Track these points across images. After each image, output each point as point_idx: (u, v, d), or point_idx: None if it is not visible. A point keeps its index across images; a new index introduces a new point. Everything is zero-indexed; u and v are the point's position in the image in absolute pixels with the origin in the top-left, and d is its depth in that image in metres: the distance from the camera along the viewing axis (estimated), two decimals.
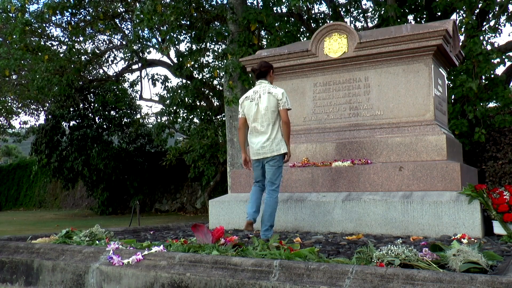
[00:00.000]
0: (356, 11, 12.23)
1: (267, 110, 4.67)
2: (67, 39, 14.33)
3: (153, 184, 17.66)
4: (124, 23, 15.26)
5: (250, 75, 9.06)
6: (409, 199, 4.74)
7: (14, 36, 11.91)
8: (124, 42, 14.92)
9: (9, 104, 19.42)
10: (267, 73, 4.84)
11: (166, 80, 14.12)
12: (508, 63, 9.10)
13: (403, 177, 5.02)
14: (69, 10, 12.48)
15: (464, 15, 9.26)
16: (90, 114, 17.45)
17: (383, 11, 9.13)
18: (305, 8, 10.94)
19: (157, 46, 13.03)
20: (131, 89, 18.01)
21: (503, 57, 8.32)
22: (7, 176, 26.44)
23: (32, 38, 13.30)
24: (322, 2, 11.13)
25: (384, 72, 5.52)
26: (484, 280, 2.33)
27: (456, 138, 7.03)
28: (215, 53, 13.48)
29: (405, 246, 2.99)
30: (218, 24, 11.29)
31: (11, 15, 12.64)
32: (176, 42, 10.54)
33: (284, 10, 11.38)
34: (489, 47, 8.85)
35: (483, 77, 8.58)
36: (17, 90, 16.19)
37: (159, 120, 15.13)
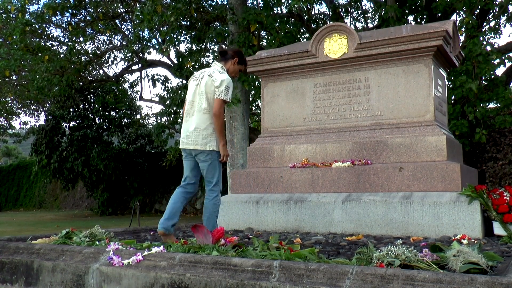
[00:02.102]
0: (356, 12, 12.25)
1: (201, 95, 4.10)
2: (67, 40, 14.34)
3: (153, 184, 17.66)
4: (124, 23, 15.28)
5: (250, 75, 9.06)
6: (409, 199, 4.74)
7: (14, 37, 11.92)
8: (124, 43, 14.93)
9: (9, 104, 19.42)
10: (228, 58, 4.30)
11: (166, 81, 14.13)
12: (508, 64, 9.11)
13: (403, 177, 5.02)
14: (69, 10, 12.49)
15: (464, 15, 9.26)
16: (90, 115, 17.46)
17: (383, 12, 9.14)
18: (305, 8, 10.95)
19: (157, 46, 13.04)
20: (131, 89, 18.03)
21: (503, 57, 8.32)
22: (7, 176, 26.44)
23: (32, 39, 13.31)
24: (322, 2, 11.14)
25: (384, 72, 5.52)
26: (484, 281, 2.33)
27: (456, 138, 7.03)
28: (215, 54, 13.49)
29: (405, 246, 2.99)
30: (218, 24, 11.30)
31: (11, 15, 12.65)
32: (176, 43, 10.55)
33: (284, 10, 11.39)
34: (489, 48, 8.86)
35: (483, 77, 8.59)
36: (17, 91, 16.20)
37: (159, 121, 15.13)
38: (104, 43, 16.46)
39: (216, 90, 4.03)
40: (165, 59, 14.98)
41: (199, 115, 4.11)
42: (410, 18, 10.43)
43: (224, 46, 4.46)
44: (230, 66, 4.28)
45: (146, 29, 10.73)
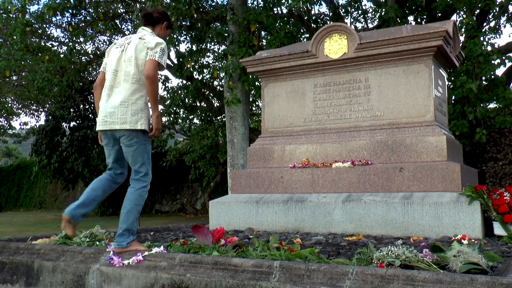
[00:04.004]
0: (356, 12, 12.24)
1: (129, 61, 3.45)
2: (67, 40, 14.35)
3: (153, 185, 17.56)
4: (124, 24, 15.27)
5: (250, 76, 9.06)
6: (409, 200, 4.74)
7: (15, 37, 11.92)
8: None
9: (10, 105, 19.42)
10: (156, 22, 3.70)
11: (167, 81, 14.13)
12: (508, 64, 9.10)
13: (403, 178, 5.02)
14: (70, 10, 12.48)
15: (464, 15, 9.26)
16: (90, 115, 17.46)
17: (383, 12, 9.14)
18: (305, 9, 10.95)
19: None
20: None
21: (503, 58, 8.32)
22: (7, 177, 26.44)
23: (32, 39, 13.31)
24: (322, 3, 11.14)
25: (384, 73, 5.52)
26: (484, 281, 2.33)
27: (457, 139, 7.03)
28: (215, 54, 13.50)
29: (406, 247, 2.99)
30: (219, 25, 11.30)
31: (11, 15, 12.66)
32: (176, 43, 10.55)
33: (284, 11, 11.39)
34: (489, 48, 8.85)
35: (484, 78, 8.58)
36: (17, 91, 16.20)
37: None
38: (105, 43, 16.47)
39: (149, 51, 3.40)
40: None
41: (126, 85, 3.42)
42: (410, 18, 10.43)
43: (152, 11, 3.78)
44: (159, 31, 3.70)
45: None
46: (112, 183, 3.65)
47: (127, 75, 3.43)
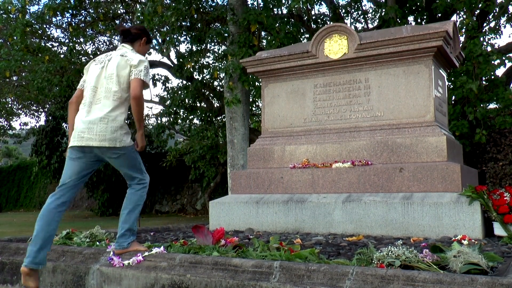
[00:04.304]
0: (356, 12, 12.25)
1: (110, 78, 3.36)
2: (67, 40, 14.35)
3: (153, 185, 17.66)
4: (124, 24, 15.27)
5: (250, 76, 9.06)
6: (410, 200, 4.74)
7: (15, 37, 11.92)
8: None
9: (10, 105, 19.43)
10: (135, 38, 3.60)
11: (167, 81, 14.14)
12: (508, 64, 9.10)
13: (403, 178, 5.02)
14: (70, 11, 12.48)
15: (464, 16, 9.26)
16: None
17: (383, 13, 9.14)
18: (305, 9, 10.95)
19: (157, 47, 13.05)
20: None
21: (504, 58, 8.32)
22: (7, 177, 26.44)
23: (32, 39, 13.31)
24: (322, 3, 11.14)
25: (384, 73, 5.52)
26: (484, 282, 2.33)
27: (457, 139, 7.03)
28: (216, 54, 13.50)
29: (406, 247, 2.99)
30: (219, 25, 11.30)
31: (11, 16, 12.66)
32: (177, 43, 10.55)
33: (284, 11, 11.39)
34: (489, 48, 8.86)
35: (484, 78, 8.58)
36: (17, 92, 16.20)
37: (159, 121, 15.13)
38: (104, 43, 16.47)
39: (133, 70, 3.31)
40: (165, 60, 14.99)
41: (107, 102, 3.31)
42: (411, 18, 10.43)
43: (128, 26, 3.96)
44: (138, 48, 3.61)
45: None
46: (61, 207, 3.38)
47: (108, 92, 3.34)
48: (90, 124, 3.29)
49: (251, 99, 12.74)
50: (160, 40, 12.62)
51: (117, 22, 14.56)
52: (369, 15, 12.72)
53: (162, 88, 14.08)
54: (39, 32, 13.61)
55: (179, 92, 13.19)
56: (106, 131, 3.28)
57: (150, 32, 3.71)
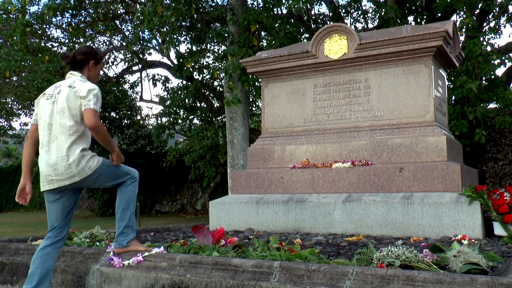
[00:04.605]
0: (356, 12, 12.25)
1: (62, 113, 3.22)
2: (67, 40, 14.34)
3: (153, 185, 17.67)
4: (124, 24, 15.28)
5: (250, 76, 9.06)
6: (410, 200, 4.74)
7: (15, 38, 11.93)
8: (124, 44, 14.93)
9: (10, 105, 19.42)
10: (84, 63, 3.42)
11: (167, 81, 14.13)
12: (508, 64, 9.10)
13: (403, 178, 5.02)
14: (70, 11, 12.49)
15: (464, 16, 9.26)
16: None
17: (383, 12, 9.14)
18: (305, 9, 10.95)
19: (157, 47, 13.05)
20: (131, 90, 18.03)
21: (503, 58, 8.32)
22: (7, 177, 26.43)
23: (32, 39, 13.31)
24: (322, 3, 11.14)
25: (384, 73, 5.52)
26: (484, 281, 2.33)
27: (457, 139, 7.03)
28: (215, 54, 13.50)
29: (406, 247, 2.99)
30: (219, 25, 11.30)
31: (11, 16, 12.66)
32: (176, 43, 10.55)
33: (284, 11, 11.39)
34: (489, 48, 8.85)
35: (483, 78, 8.58)
36: (17, 92, 16.19)
37: (159, 121, 15.13)
38: (104, 44, 16.46)
39: (82, 101, 3.18)
40: (165, 60, 14.99)
41: (63, 138, 3.20)
42: (410, 18, 10.43)
43: (74, 52, 3.49)
44: (88, 73, 3.44)
45: (146, 30, 10.74)
46: (57, 244, 3.29)
47: (63, 127, 3.21)
48: (54, 166, 3.20)
49: (251, 99, 12.76)
50: (160, 40, 12.62)
51: (117, 22, 14.57)
52: (369, 15, 12.72)
53: (162, 88, 14.10)
54: (39, 32, 13.60)
55: (179, 92, 13.20)
56: (71, 167, 3.18)
57: (99, 53, 3.54)
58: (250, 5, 10.86)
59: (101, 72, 16.91)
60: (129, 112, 17.79)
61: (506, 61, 8.47)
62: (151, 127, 17.91)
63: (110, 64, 16.67)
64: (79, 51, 3.44)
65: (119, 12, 14.64)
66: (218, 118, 13.84)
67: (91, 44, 15.40)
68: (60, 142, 3.21)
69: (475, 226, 4.42)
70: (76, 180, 3.20)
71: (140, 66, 15.18)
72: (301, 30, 10.83)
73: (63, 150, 3.19)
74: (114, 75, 16.45)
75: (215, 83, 13.82)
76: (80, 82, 3.28)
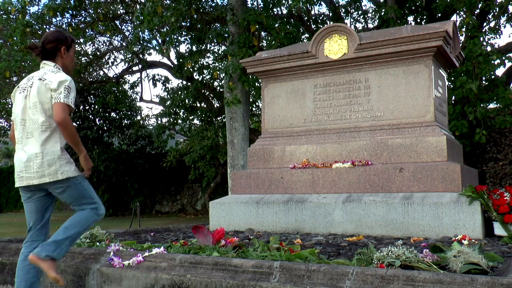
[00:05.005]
0: (356, 12, 12.24)
1: (35, 108, 3.05)
2: None
3: (153, 185, 17.66)
4: (124, 24, 15.27)
5: (250, 76, 9.06)
6: (410, 200, 4.74)
7: (15, 38, 11.92)
8: (124, 44, 14.94)
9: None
10: (55, 52, 3.20)
11: (167, 81, 14.13)
12: (508, 64, 9.11)
13: (403, 178, 5.02)
14: (70, 11, 12.48)
15: (464, 16, 9.26)
16: (90, 116, 17.46)
17: (383, 12, 9.14)
18: (305, 9, 10.95)
19: (157, 47, 13.05)
20: (132, 90, 18.04)
21: (503, 58, 8.32)
22: (7, 178, 26.44)
23: (32, 40, 13.31)
24: (322, 3, 11.14)
25: (384, 73, 5.52)
26: (484, 281, 2.33)
27: (457, 139, 7.03)
28: (215, 55, 13.50)
29: (406, 247, 2.99)
30: (219, 25, 11.30)
31: (11, 16, 12.66)
32: (177, 44, 10.55)
33: (284, 11, 11.39)
34: (489, 48, 8.86)
35: (483, 78, 8.59)
36: None
37: (159, 122, 15.13)
38: (104, 44, 16.46)
39: (53, 94, 2.99)
40: (165, 60, 14.99)
41: (36, 134, 3.03)
42: (410, 18, 10.43)
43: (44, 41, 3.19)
44: (62, 61, 3.22)
45: (146, 30, 10.74)
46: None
47: (35, 123, 3.03)
48: (27, 162, 3.03)
49: (251, 99, 12.75)
50: (160, 40, 12.62)
51: (117, 22, 14.57)
52: (369, 15, 12.71)
53: (162, 88, 14.09)
54: (39, 32, 13.60)
55: (179, 92, 13.19)
56: (43, 166, 2.99)
57: (72, 40, 3.30)
58: (250, 5, 10.86)
59: (101, 73, 16.96)
60: (129, 113, 17.80)
61: (506, 61, 8.47)
62: (151, 127, 17.92)
63: (110, 64, 16.67)
64: (47, 39, 3.19)
65: (119, 12, 14.64)
66: (218, 118, 13.84)
67: (91, 45, 15.41)
68: (34, 139, 3.05)
69: (475, 226, 4.42)
70: (45, 181, 3.00)
71: (140, 66, 15.18)
72: (301, 30, 10.83)
73: (37, 148, 3.02)
74: (114, 76, 16.45)
75: (215, 83, 13.82)
76: (51, 73, 3.08)
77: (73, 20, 13.37)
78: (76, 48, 13.26)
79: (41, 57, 3.23)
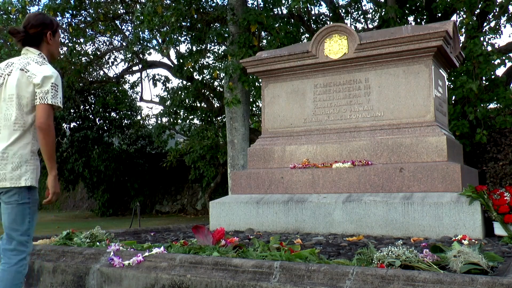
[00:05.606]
0: (356, 12, 12.25)
1: (11, 100, 2.69)
2: (67, 41, 14.35)
3: (153, 185, 17.67)
4: (124, 24, 15.28)
5: (250, 76, 9.06)
6: (410, 200, 4.74)
7: None
8: (124, 44, 14.94)
9: None
10: (40, 37, 2.84)
11: (167, 81, 14.14)
12: (508, 64, 9.10)
13: (403, 178, 5.02)
14: (70, 11, 12.48)
15: (464, 16, 9.26)
16: (90, 116, 17.48)
17: (383, 12, 9.14)
18: (305, 9, 10.95)
19: (157, 47, 13.05)
20: (132, 90, 18.04)
21: (504, 58, 8.32)
22: None
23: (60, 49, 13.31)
24: (322, 3, 11.14)
25: (384, 73, 5.52)
26: (484, 281, 2.33)
27: (457, 139, 7.03)
28: (216, 55, 13.50)
29: (406, 247, 2.99)
30: (219, 25, 11.31)
31: (11, 16, 12.65)
32: (177, 43, 10.56)
33: (284, 11, 11.39)
34: (489, 48, 8.86)
35: (484, 78, 8.59)
36: None
37: (159, 122, 15.14)
38: (105, 44, 16.47)
39: (38, 91, 2.64)
40: (165, 60, 15.00)
41: (6, 132, 2.68)
42: (410, 18, 10.43)
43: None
44: (47, 47, 2.87)
45: (146, 30, 10.74)
46: (8, 260, 2.68)
47: (7, 120, 2.68)
48: None
49: (251, 99, 12.75)
50: (160, 40, 12.62)
51: (117, 22, 14.57)
52: (369, 15, 12.72)
53: (162, 88, 14.11)
54: None
55: (179, 92, 13.20)
56: (6, 168, 2.63)
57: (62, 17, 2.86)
58: (250, 5, 10.86)
59: (101, 73, 16.95)
60: (129, 112, 17.81)
61: (506, 61, 8.48)
62: (151, 127, 17.92)
63: (110, 64, 16.67)
64: (30, 24, 2.81)
65: (119, 12, 14.64)
66: (218, 118, 13.84)
67: (91, 45, 15.40)
68: (2, 137, 2.69)
69: (475, 226, 4.42)
70: (5, 186, 2.63)
71: (140, 66, 15.18)
72: (301, 30, 10.83)
73: (3, 147, 2.66)
74: (114, 75, 16.46)
75: (215, 83, 13.83)
76: (35, 64, 2.72)
77: (73, 20, 13.37)
78: (77, 48, 13.26)
79: (22, 43, 2.85)
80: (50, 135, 2.65)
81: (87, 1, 12.97)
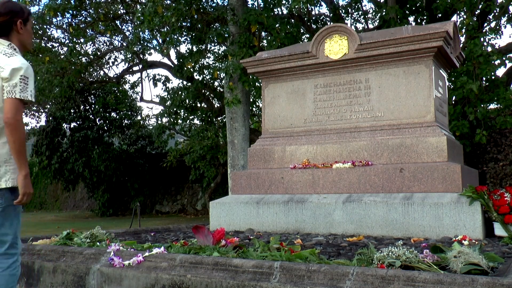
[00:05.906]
0: (357, 13, 12.25)
1: None
2: (67, 41, 14.36)
3: (153, 185, 17.67)
4: (124, 24, 15.29)
5: (250, 76, 9.06)
6: (410, 200, 4.74)
7: None
8: (124, 44, 14.94)
9: None
10: (9, 27, 2.64)
11: (167, 81, 14.15)
12: (508, 65, 9.10)
13: (403, 178, 5.02)
14: (70, 11, 12.49)
15: (465, 16, 9.26)
16: (91, 116, 17.48)
17: (383, 13, 9.14)
18: (305, 9, 10.95)
19: (157, 47, 13.05)
20: (132, 90, 18.05)
21: (504, 58, 8.32)
22: None
23: (33, 40, 13.31)
24: (323, 3, 11.14)
25: (384, 73, 5.52)
26: (485, 282, 2.33)
27: (457, 139, 7.03)
28: (216, 55, 13.51)
29: (406, 247, 2.99)
30: (219, 25, 11.31)
31: None
32: (177, 44, 10.56)
33: (285, 11, 11.39)
34: (489, 49, 8.85)
35: (484, 78, 8.59)
36: None
37: (159, 122, 15.15)
38: (105, 44, 16.48)
39: (6, 85, 2.47)
40: (165, 60, 15.00)
41: None
42: (411, 18, 10.43)
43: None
44: (18, 37, 2.67)
45: (146, 30, 10.74)
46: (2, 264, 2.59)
47: None
48: None
49: (251, 100, 12.76)
50: (160, 40, 12.62)
51: (117, 22, 14.57)
52: (370, 15, 12.72)
53: (162, 88, 14.12)
54: (40, 32, 13.61)
55: (180, 92, 13.20)
56: None
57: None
58: (250, 6, 10.86)
59: (102, 73, 16.94)
60: (129, 112, 17.82)
61: (507, 61, 8.48)
62: (152, 127, 17.93)
63: (111, 64, 16.68)
64: None
65: (119, 12, 14.65)
66: (219, 119, 13.85)
67: (92, 45, 15.40)
68: None
69: (475, 226, 4.42)
70: None
71: (140, 66, 15.18)
72: (302, 31, 10.83)
73: None
74: (115, 76, 16.46)
75: (216, 84, 13.83)
76: (3, 56, 2.55)
77: (73, 20, 13.38)
78: (77, 48, 13.26)
79: None
80: (18, 131, 2.45)
81: (87, 1, 12.98)
